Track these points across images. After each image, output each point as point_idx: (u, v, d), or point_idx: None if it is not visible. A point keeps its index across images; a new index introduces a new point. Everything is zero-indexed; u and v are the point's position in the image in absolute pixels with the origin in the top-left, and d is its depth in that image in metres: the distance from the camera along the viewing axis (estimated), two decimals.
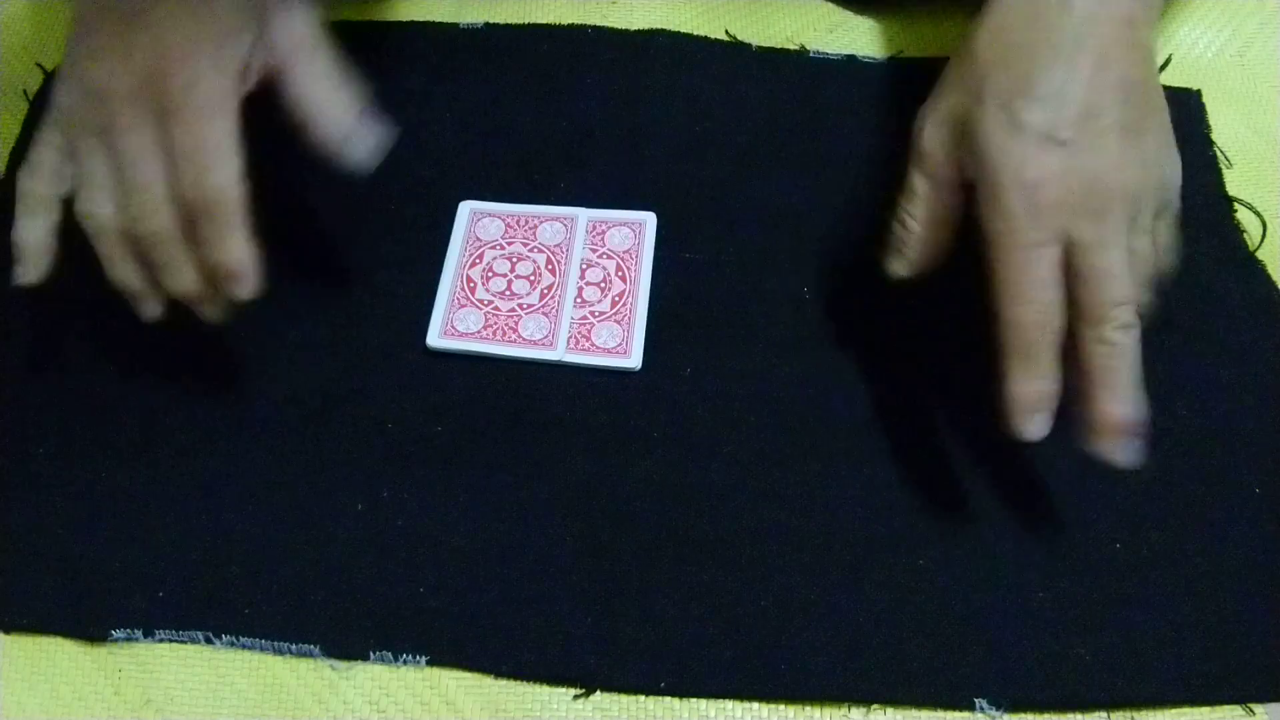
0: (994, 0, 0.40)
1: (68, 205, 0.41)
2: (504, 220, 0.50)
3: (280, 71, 0.40)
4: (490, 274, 0.48)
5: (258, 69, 0.40)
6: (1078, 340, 0.37)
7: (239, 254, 0.38)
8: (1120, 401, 0.37)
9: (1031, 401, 0.37)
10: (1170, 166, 0.39)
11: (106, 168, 0.39)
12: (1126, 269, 0.37)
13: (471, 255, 0.48)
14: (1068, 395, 0.38)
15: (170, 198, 0.38)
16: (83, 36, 0.40)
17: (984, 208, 0.38)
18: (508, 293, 0.47)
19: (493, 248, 0.49)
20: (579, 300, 0.47)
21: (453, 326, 0.46)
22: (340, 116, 0.41)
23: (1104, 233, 0.37)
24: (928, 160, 0.40)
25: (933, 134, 0.40)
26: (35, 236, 0.41)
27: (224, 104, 0.38)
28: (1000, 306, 0.37)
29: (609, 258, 0.48)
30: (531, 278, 0.48)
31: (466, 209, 0.50)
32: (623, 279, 0.48)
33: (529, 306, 0.47)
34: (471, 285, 0.48)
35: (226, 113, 0.39)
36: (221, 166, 0.38)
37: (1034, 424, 0.38)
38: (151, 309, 0.41)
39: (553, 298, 0.47)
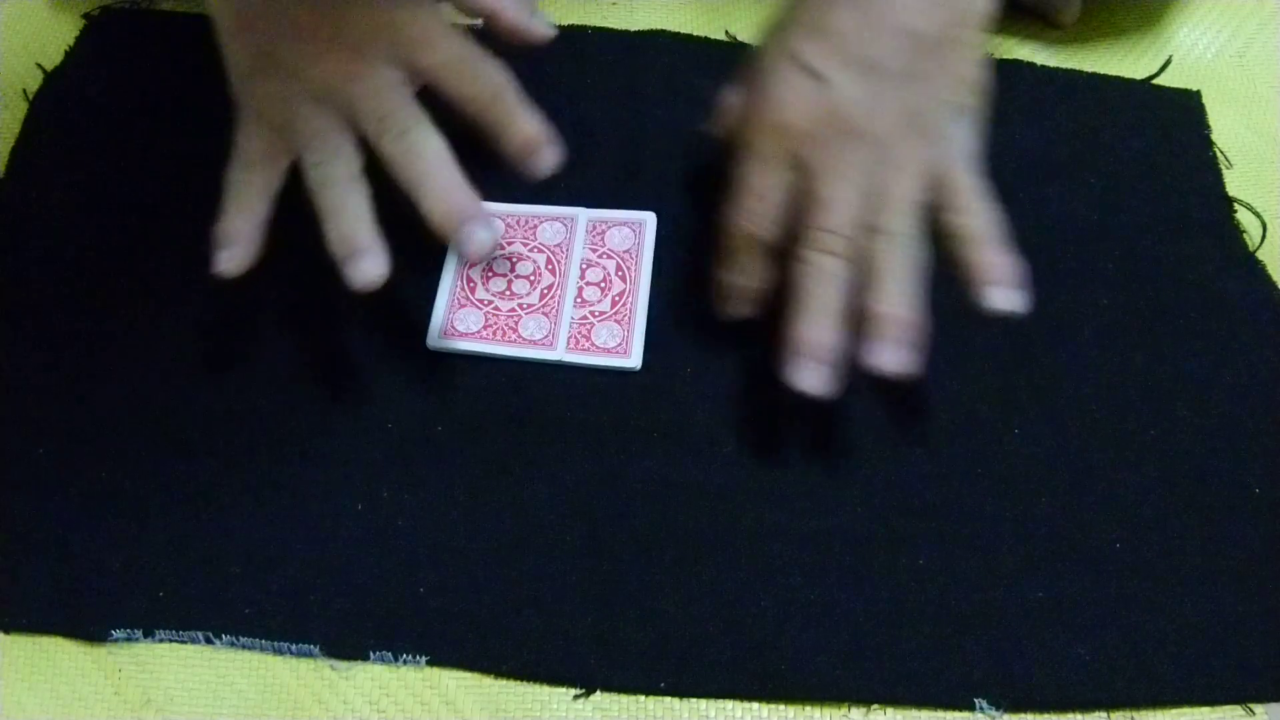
0: None
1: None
2: (504, 220, 0.50)
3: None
4: (490, 274, 0.48)
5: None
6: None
7: (531, 129, 0.41)
8: (805, 322, 0.38)
9: (733, 293, 0.42)
10: (949, 122, 0.40)
11: (338, 124, 0.41)
12: (851, 203, 0.38)
13: None
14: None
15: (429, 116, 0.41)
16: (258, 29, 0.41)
17: (743, 115, 0.40)
18: (508, 293, 0.47)
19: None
20: (579, 300, 0.47)
21: (453, 326, 0.46)
22: (520, 8, 0.43)
23: (836, 164, 0.38)
24: (747, 77, 0.42)
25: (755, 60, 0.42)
26: (248, 226, 0.41)
27: (436, 18, 0.40)
28: (727, 211, 0.41)
29: (609, 257, 0.48)
30: (531, 278, 0.48)
31: None
32: (623, 279, 0.48)
33: (529, 306, 0.47)
34: (471, 285, 0.48)
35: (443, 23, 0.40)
36: (481, 66, 0.40)
37: (736, 309, 0.42)
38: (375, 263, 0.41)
39: (553, 298, 0.47)
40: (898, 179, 0.39)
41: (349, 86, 0.40)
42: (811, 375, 0.38)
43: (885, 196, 0.39)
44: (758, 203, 0.40)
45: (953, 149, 0.40)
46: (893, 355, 0.38)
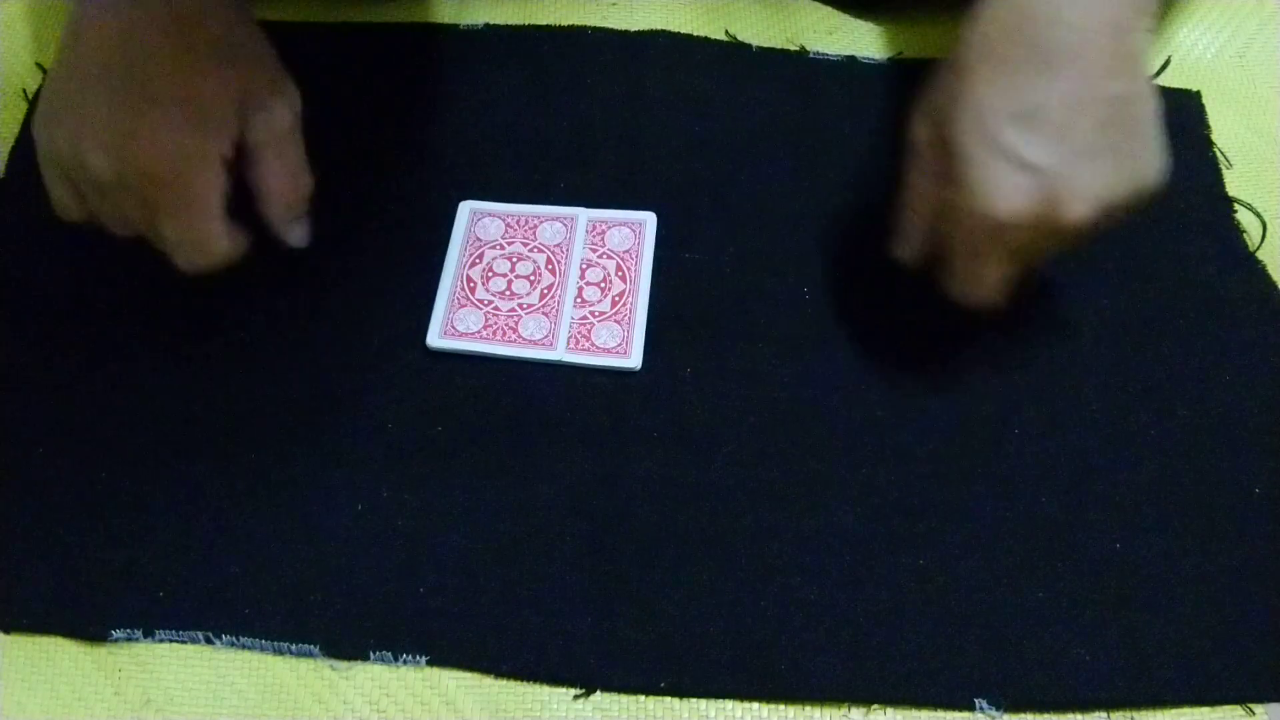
0: (983, 4, 0.40)
1: None
2: (504, 220, 0.50)
3: (253, 152, 0.42)
4: (490, 274, 0.48)
5: (238, 149, 0.41)
6: None
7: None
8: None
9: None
10: (1152, 172, 0.39)
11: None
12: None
13: (471, 255, 0.48)
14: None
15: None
16: (71, 91, 0.40)
17: (952, 211, 0.39)
18: (508, 293, 0.47)
19: (493, 248, 0.49)
20: (579, 300, 0.47)
21: (453, 326, 0.46)
22: (288, 207, 0.43)
23: (1058, 248, 0.39)
24: (918, 156, 0.41)
25: (921, 132, 0.41)
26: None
27: (210, 196, 0.40)
28: (951, 293, 0.41)
29: (609, 258, 0.48)
30: (531, 278, 0.48)
31: (466, 209, 0.50)
32: (623, 279, 0.48)
33: (529, 306, 0.47)
34: (471, 285, 0.48)
35: (213, 203, 0.40)
36: (211, 252, 0.41)
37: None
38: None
39: (553, 298, 0.47)
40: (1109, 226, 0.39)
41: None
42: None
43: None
44: (985, 292, 0.40)
45: (1154, 178, 0.39)
46: None
